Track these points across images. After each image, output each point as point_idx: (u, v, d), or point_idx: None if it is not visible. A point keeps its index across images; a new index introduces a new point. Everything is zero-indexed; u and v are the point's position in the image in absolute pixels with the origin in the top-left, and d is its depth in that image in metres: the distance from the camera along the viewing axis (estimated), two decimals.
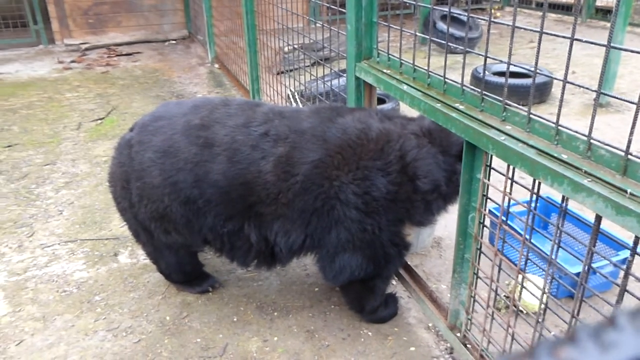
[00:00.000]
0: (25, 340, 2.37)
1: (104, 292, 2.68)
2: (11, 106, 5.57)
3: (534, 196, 1.57)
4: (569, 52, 1.34)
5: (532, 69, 1.48)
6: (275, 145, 2.08)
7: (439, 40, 6.41)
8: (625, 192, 1.22)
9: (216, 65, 7.06)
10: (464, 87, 1.79)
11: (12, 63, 7.39)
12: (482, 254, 1.93)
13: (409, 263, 2.55)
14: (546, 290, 1.62)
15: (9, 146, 4.53)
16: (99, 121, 5.13)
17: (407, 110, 3.24)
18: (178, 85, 6.32)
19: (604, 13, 9.00)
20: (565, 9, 9.49)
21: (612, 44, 1.21)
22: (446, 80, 1.87)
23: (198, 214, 2.16)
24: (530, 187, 1.57)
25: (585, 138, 1.34)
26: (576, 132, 1.39)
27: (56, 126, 5.00)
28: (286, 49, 5.11)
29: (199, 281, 2.69)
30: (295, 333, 2.40)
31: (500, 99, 1.61)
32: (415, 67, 2.05)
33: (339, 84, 3.89)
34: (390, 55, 2.23)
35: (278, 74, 4.93)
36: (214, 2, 6.65)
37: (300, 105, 3.95)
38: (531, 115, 1.51)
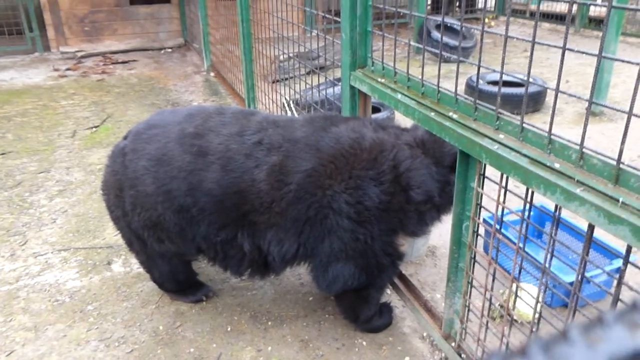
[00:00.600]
0: (16, 350, 2.34)
1: (97, 302, 2.66)
2: (5, 114, 5.55)
3: (528, 205, 1.57)
4: (561, 61, 1.35)
5: (526, 78, 1.49)
6: (268, 154, 2.07)
7: (433, 50, 6.44)
8: (618, 201, 1.22)
9: (212, 74, 7.07)
10: (457, 96, 1.79)
11: (7, 70, 7.38)
12: (476, 263, 1.93)
13: (403, 272, 2.54)
14: (540, 300, 1.62)
15: (2, 154, 4.51)
16: (94, 129, 5.12)
17: (402, 119, 3.24)
18: (174, 94, 6.32)
19: (597, 23, 9.09)
20: (559, 18, 9.58)
21: (603, 54, 1.22)
22: (440, 89, 1.88)
23: (191, 222, 2.15)
24: (523, 196, 1.57)
25: (577, 147, 1.35)
26: (569, 141, 1.39)
27: (51, 134, 4.99)
28: (282, 57, 5.13)
29: (193, 290, 2.67)
30: (289, 342, 2.39)
31: (494, 108, 1.62)
32: (410, 76, 2.06)
33: (334, 93, 3.91)
34: (384, 64, 2.24)
35: (273, 82, 4.94)
36: (209, 10, 6.67)
37: (296, 114, 3.95)
38: (524, 124, 1.52)
